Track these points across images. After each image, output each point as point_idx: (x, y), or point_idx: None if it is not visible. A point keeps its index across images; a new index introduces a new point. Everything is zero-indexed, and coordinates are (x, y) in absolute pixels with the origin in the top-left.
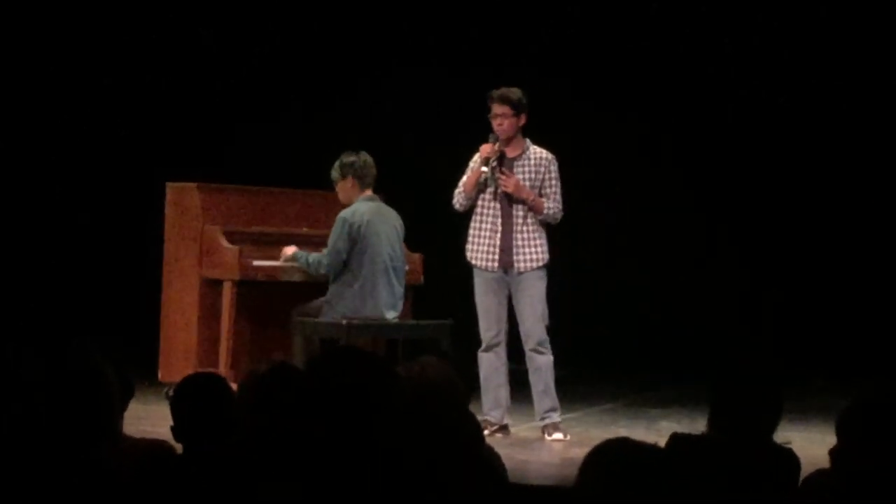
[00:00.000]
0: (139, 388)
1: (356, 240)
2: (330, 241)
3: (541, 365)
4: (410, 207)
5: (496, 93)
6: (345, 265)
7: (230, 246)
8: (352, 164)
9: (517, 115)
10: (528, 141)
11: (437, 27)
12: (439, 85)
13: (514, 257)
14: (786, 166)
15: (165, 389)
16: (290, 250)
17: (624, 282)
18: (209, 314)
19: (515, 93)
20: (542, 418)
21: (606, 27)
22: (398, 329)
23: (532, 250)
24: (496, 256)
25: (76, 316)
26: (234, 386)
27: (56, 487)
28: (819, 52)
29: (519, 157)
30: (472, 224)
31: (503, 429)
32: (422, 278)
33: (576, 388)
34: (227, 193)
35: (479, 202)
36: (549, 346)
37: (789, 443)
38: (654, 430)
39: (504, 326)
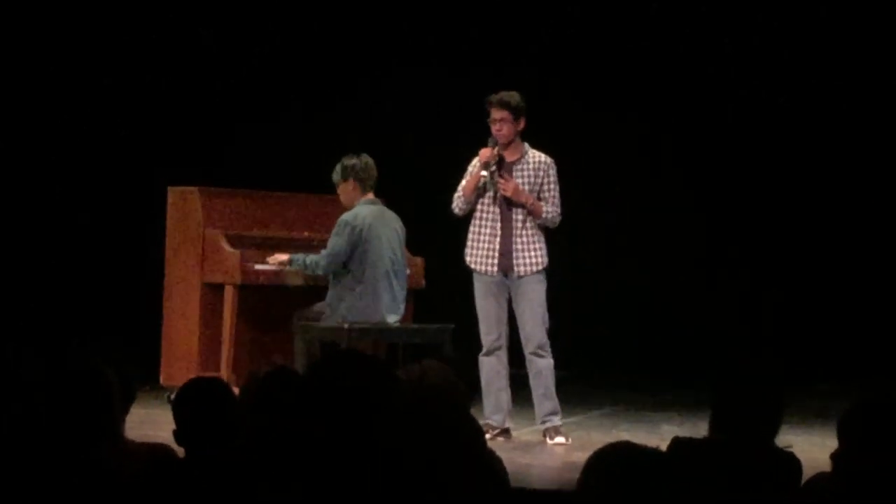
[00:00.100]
0: (141, 392)
1: (357, 243)
2: (330, 243)
3: (541, 368)
4: (412, 211)
5: (495, 97)
6: (346, 269)
7: (231, 250)
8: (353, 166)
9: (516, 119)
10: (526, 145)
11: (437, 27)
12: (439, 85)
13: (514, 261)
14: (786, 167)
15: (167, 393)
16: (283, 257)
17: (624, 282)
18: (210, 318)
19: (514, 97)
20: (543, 422)
21: (606, 27)
22: (399, 333)
23: (532, 254)
24: (496, 260)
25: (78, 319)
26: (235, 390)
27: (57, 489)
28: (819, 52)
29: (518, 161)
30: (471, 228)
31: (505, 432)
32: (423, 282)
33: (577, 391)
34: (228, 197)
35: (479, 206)
36: (549, 349)
37: (791, 446)
38: (656, 434)
39: (504, 330)
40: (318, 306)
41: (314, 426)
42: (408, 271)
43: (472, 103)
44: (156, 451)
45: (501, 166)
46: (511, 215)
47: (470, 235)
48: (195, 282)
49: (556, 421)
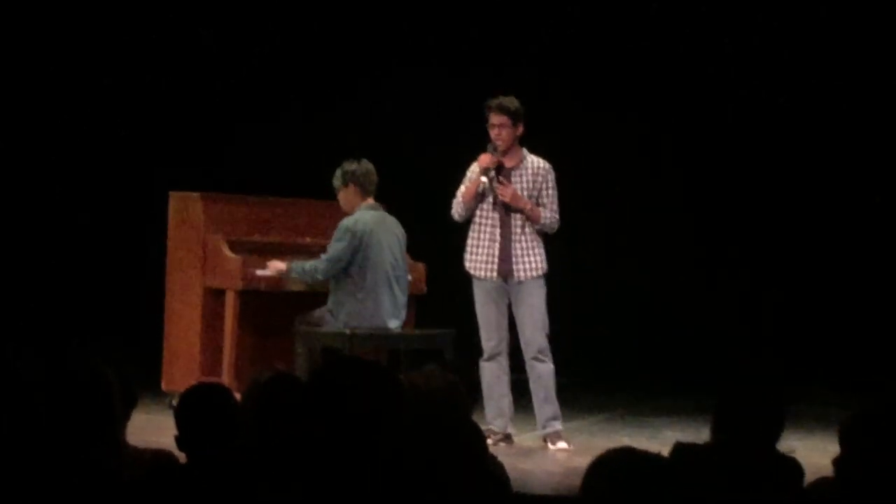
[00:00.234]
0: (142, 398)
1: (358, 248)
2: (330, 249)
3: (542, 373)
4: (414, 216)
5: (494, 102)
6: (346, 274)
7: (233, 255)
8: (353, 171)
9: (515, 124)
10: (525, 150)
11: (438, 29)
12: (440, 89)
13: (514, 266)
14: (786, 167)
15: (169, 399)
16: (281, 265)
17: (624, 282)
18: (212, 324)
19: (513, 102)
20: (544, 426)
21: (606, 28)
22: (401, 338)
23: (531, 259)
24: (495, 266)
25: (80, 324)
26: (237, 395)
27: (58, 495)
28: (819, 52)
29: (517, 166)
30: (470, 234)
31: (506, 438)
32: (425, 287)
33: (578, 396)
34: (229, 203)
35: (478, 212)
36: (549, 354)
37: (793, 451)
38: (658, 439)
39: (505, 335)
40: (320, 311)
41: (316, 432)
42: (409, 277)
43: (474, 107)
44: (158, 456)
45: (500, 172)
46: (510, 221)
47: (469, 241)
48: (197, 287)
49: (557, 426)
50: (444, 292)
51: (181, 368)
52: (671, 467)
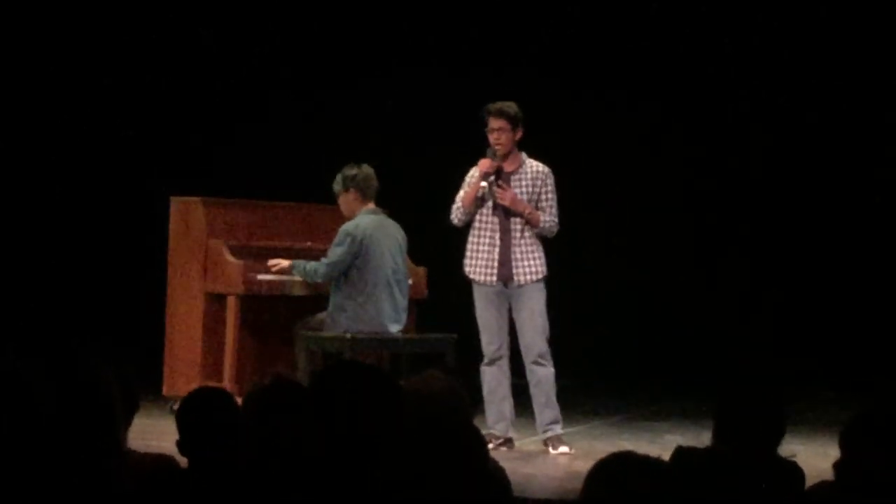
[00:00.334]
0: (144, 402)
1: (358, 253)
2: (330, 253)
3: (542, 377)
4: (415, 220)
5: (493, 107)
6: (347, 278)
7: (234, 260)
8: (353, 176)
9: (514, 128)
10: (524, 154)
11: (437, 30)
12: (440, 92)
13: (514, 270)
14: (787, 167)
15: (170, 403)
16: (284, 263)
17: (624, 282)
18: (213, 328)
19: (512, 107)
20: (545, 431)
21: (606, 28)
22: (402, 342)
23: (531, 263)
24: (495, 270)
25: (81, 329)
26: (238, 400)
27: (59, 499)
28: (819, 52)
29: (516, 170)
30: (469, 238)
31: (507, 442)
32: (426, 292)
33: (578, 400)
34: (230, 207)
35: (477, 217)
36: (549, 358)
37: (794, 455)
38: (659, 444)
39: (506, 340)
40: (321, 316)
41: (317, 436)
42: (410, 281)
43: (474, 111)
44: (159, 461)
45: (499, 176)
46: (510, 225)
47: (469, 246)
48: (198, 292)
49: (558, 430)
50: (445, 296)
51: (182, 373)
52: (672, 472)
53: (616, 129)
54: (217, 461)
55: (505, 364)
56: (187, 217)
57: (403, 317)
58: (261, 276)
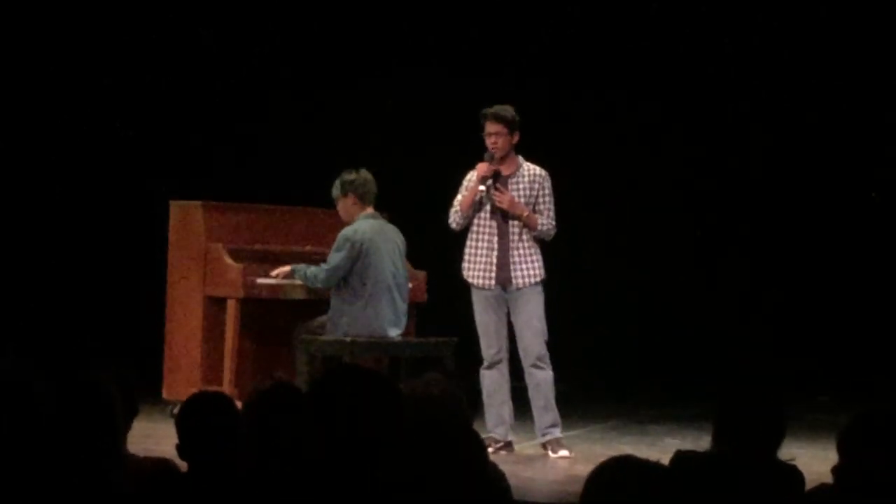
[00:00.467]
0: (143, 406)
1: (357, 258)
2: (330, 258)
3: (540, 380)
4: (414, 224)
5: (490, 111)
6: (346, 283)
7: (234, 264)
8: (352, 181)
9: (511, 132)
10: (521, 158)
11: (437, 32)
12: (440, 95)
13: (512, 273)
14: (787, 167)
15: (170, 407)
16: (285, 269)
17: (624, 283)
18: (213, 332)
19: (508, 111)
20: (544, 434)
21: (606, 28)
22: (401, 346)
23: (529, 266)
24: (493, 274)
25: (81, 333)
26: (238, 404)
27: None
28: (819, 53)
29: (513, 174)
30: (468, 242)
31: (507, 446)
32: (426, 296)
33: (578, 403)
34: (230, 211)
35: (475, 220)
36: (548, 361)
37: (794, 459)
38: (658, 448)
39: (505, 343)
40: (320, 320)
41: (317, 441)
42: (409, 285)
43: (473, 115)
44: (158, 465)
45: (497, 179)
46: (507, 228)
47: (467, 250)
48: (197, 296)
49: (557, 433)
50: (445, 300)
51: (182, 377)
52: (671, 476)
53: (616, 130)
54: (217, 465)
55: (504, 368)
56: (187, 221)
57: (403, 321)
58: (260, 280)
